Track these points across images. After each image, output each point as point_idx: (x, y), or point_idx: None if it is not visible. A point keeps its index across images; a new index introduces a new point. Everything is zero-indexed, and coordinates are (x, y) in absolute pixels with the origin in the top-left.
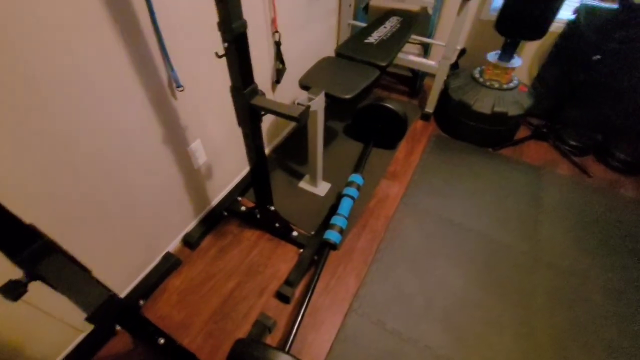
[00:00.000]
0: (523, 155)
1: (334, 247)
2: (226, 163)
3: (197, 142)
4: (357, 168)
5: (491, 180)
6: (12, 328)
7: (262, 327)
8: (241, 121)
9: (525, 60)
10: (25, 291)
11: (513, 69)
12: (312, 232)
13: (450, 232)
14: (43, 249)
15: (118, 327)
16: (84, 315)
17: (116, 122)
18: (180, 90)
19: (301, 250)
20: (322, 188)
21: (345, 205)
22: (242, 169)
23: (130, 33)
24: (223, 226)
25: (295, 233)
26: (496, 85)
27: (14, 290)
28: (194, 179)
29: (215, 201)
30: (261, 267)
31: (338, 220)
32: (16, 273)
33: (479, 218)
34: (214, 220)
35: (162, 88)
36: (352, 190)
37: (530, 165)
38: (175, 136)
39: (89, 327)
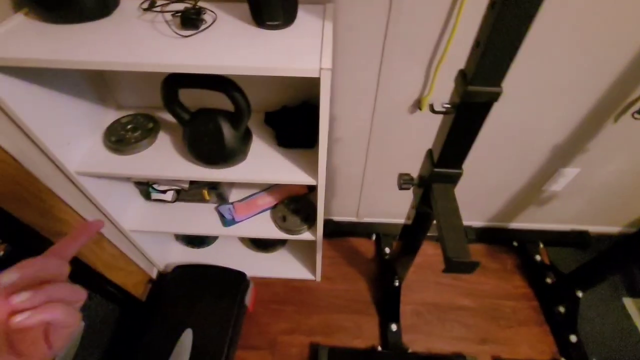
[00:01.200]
0: None
1: None
2: (569, 208)
3: (574, 171)
4: None
5: None
6: None
7: None
8: None
9: None
10: (407, 188)
11: None
12: None
13: None
14: (442, 177)
15: None
16: None
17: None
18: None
19: (558, 357)
20: None
21: None
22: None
23: None
24: (500, 249)
25: (574, 339)
26: None
27: (405, 183)
28: (532, 194)
29: (515, 225)
30: (503, 321)
31: None
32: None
33: None
34: (499, 238)
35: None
36: None
37: None
38: (559, 151)
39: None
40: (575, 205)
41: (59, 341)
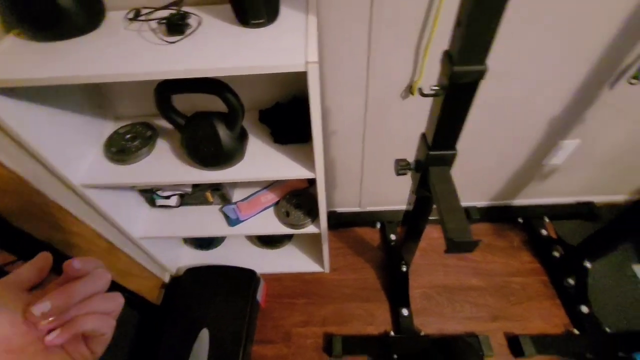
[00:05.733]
0: None
1: None
2: (572, 180)
3: (574, 142)
4: None
5: None
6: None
7: (477, 345)
8: None
9: None
10: (404, 174)
11: None
12: (607, 329)
13: None
14: (438, 160)
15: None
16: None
17: (540, 85)
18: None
19: (571, 328)
20: None
21: None
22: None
23: None
24: (505, 227)
25: (585, 310)
26: None
27: (402, 169)
28: (533, 170)
29: (518, 202)
30: (513, 298)
31: None
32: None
33: None
34: (504, 216)
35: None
36: None
37: None
38: (557, 124)
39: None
40: (578, 177)
41: (98, 347)
